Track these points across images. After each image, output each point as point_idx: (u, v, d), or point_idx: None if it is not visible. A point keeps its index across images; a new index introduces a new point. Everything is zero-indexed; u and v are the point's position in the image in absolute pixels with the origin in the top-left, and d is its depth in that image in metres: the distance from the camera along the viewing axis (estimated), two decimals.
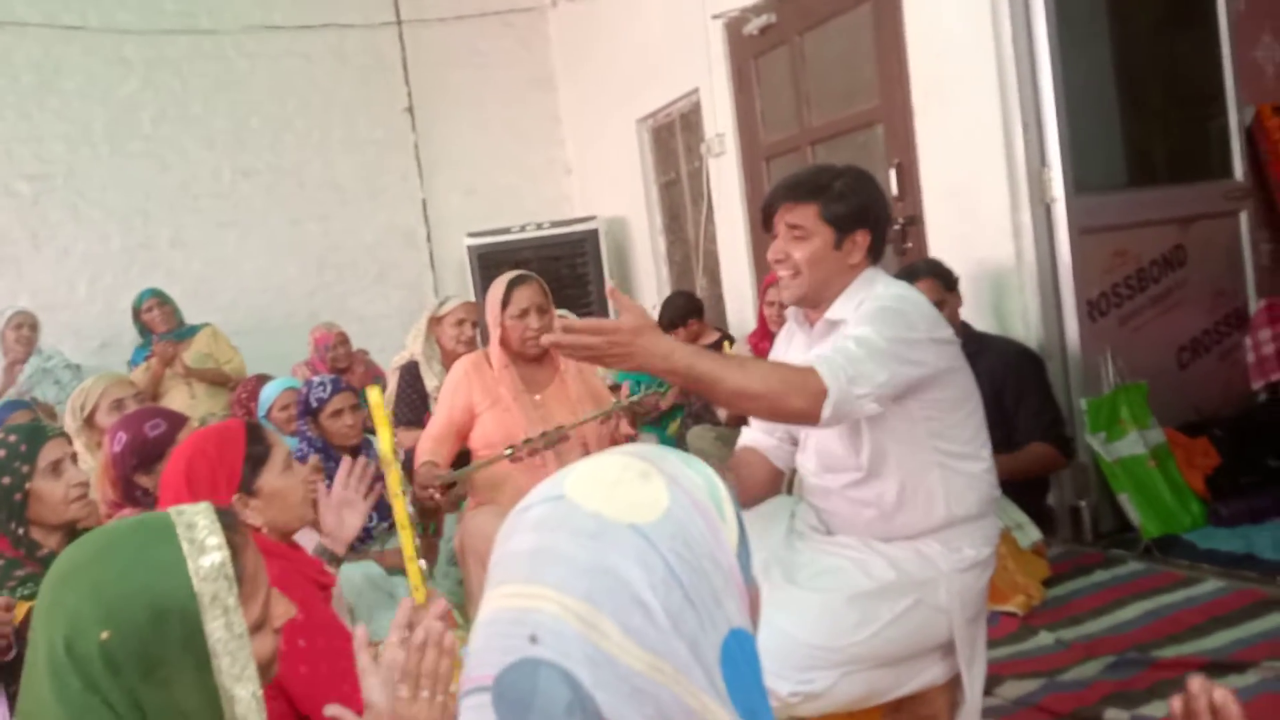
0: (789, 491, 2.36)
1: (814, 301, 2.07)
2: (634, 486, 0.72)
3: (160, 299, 5.38)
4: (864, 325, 1.88)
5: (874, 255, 2.07)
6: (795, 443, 2.21)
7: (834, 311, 2.03)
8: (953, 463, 2.02)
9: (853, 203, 2.02)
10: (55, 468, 2.05)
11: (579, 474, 0.75)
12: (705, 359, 1.78)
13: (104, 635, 1.00)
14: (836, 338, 1.97)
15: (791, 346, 2.22)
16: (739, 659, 0.70)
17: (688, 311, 4.74)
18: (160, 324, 5.23)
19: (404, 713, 1.22)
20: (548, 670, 0.65)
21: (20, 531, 2.01)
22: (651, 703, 0.65)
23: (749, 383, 1.77)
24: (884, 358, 1.83)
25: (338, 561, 2.22)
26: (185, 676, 1.03)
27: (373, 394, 1.97)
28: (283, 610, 1.19)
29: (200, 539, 1.07)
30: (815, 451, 2.12)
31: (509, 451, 2.77)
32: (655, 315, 6.18)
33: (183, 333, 5.33)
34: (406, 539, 1.97)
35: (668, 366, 1.73)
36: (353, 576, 3.23)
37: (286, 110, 6.42)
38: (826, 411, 1.76)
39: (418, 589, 1.91)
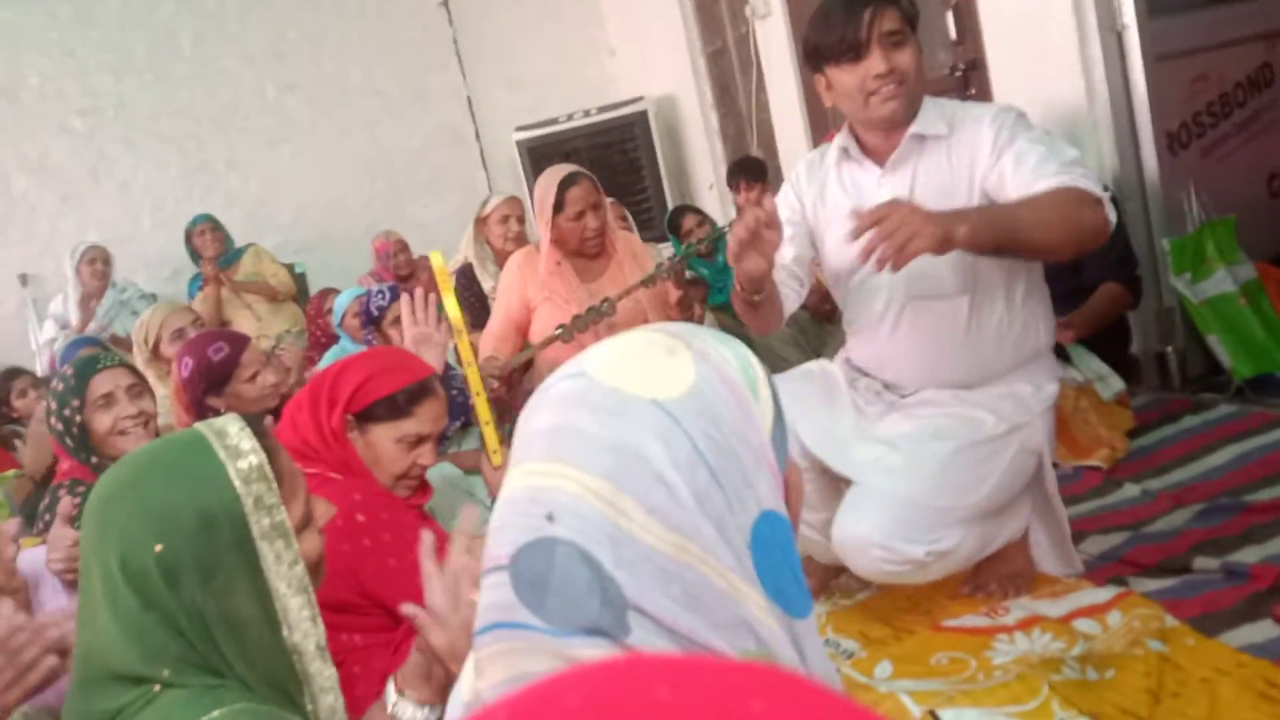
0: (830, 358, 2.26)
1: (910, 116, 1.93)
2: (658, 362, 0.69)
3: (213, 224, 5.53)
4: (1031, 141, 1.81)
5: None
6: (801, 286, 2.09)
7: (924, 126, 1.91)
8: (1040, 284, 1.96)
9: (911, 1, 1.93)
10: (107, 400, 2.09)
11: (602, 350, 0.72)
12: (994, 210, 1.76)
13: (158, 548, 1.01)
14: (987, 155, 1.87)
15: (860, 187, 1.99)
16: (769, 541, 0.67)
17: (740, 172, 4.65)
18: (209, 248, 5.38)
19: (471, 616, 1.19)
20: (565, 549, 0.63)
21: (94, 460, 2.07)
22: (678, 582, 0.62)
23: (1042, 215, 1.71)
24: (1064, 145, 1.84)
25: None
26: (241, 581, 1.05)
27: (435, 257, 1.87)
28: (323, 511, 1.20)
29: (234, 444, 1.08)
30: (905, 280, 1.90)
31: (559, 331, 2.70)
32: (715, 195, 6.07)
33: (229, 257, 5.49)
34: (489, 433, 1.91)
35: (968, 224, 1.62)
36: (430, 478, 3.30)
37: (322, 19, 6.30)
38: (1109, 214, 1.75)
39: (495, 452, 1.86)
